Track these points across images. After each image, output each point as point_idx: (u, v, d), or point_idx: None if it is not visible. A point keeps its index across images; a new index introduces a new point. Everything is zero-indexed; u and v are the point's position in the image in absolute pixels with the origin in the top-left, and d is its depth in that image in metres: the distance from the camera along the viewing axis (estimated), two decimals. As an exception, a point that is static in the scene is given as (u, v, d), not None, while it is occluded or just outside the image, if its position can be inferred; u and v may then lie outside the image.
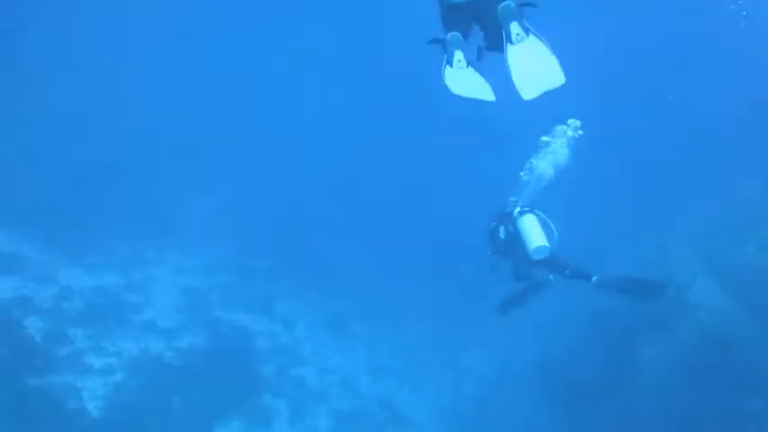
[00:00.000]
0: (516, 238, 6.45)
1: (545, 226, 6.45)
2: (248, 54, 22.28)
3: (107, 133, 15.87)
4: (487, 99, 3.84)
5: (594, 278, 6.44)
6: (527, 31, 3.53)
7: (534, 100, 3.68)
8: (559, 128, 6.84)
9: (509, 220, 6.56)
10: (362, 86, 22.17)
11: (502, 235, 6.61)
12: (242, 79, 21.58)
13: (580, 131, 6.84)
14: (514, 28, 3.46)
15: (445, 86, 3.80)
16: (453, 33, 3.69)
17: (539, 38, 3.53)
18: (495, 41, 3.66)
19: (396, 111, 21.50)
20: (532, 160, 6.88)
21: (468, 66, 3.73)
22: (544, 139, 6.86)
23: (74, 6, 19.06)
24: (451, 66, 3.71)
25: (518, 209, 6.68)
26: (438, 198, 17.25)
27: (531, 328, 12.80)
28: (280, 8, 21.69)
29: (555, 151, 6.80)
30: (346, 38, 22.20)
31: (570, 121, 6.87)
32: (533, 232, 6.34)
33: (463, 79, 3.78)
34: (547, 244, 6.36)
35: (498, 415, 10.20)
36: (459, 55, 3.70)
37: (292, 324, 11.40)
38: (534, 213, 6.47)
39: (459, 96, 3.83)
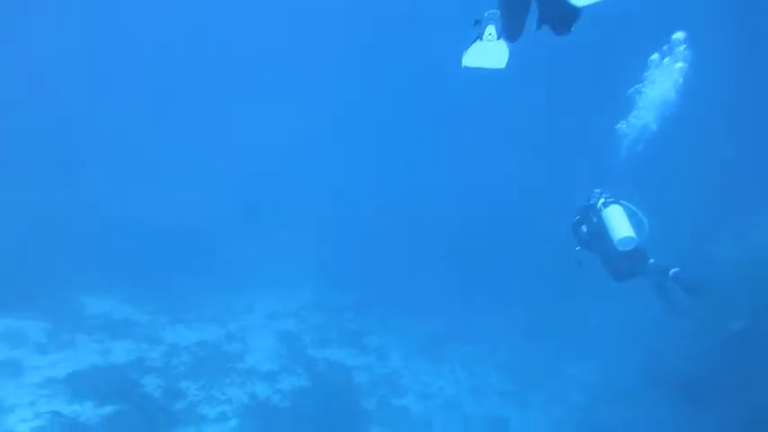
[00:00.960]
0: (601, 231, 6.30)
1: (632, 216, 6.27)
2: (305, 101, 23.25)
3: (186, 196, 16.99)
4: (498, 67, 3.98)
5: (673, 270, 6.16)
6: None
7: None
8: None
9: (593, 212, 6.41)
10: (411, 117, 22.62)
11: (585, 228, 6.46)
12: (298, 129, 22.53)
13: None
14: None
15: (461, 63, 4.00)
16: (492, 11, 3.87)
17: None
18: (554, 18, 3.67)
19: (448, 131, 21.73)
20: (640, 87, 6.71)
21: (498, 38, 3.87)
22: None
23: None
24: (481, 39, 3.86)
25: (602, 200, 6.54)
26: (512, 213, 17.15)
27: (628, 331, 12.43)
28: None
29: (656, 81, 6.63)
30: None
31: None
32: (619, 223, 6.18)
33: (485, 51, 3.92)
34: (633, 235, 6.18)
35: (614, 421, 9.80)
36: (491, 29, 3.85)
37: (386, 354, 11.50)
38: (620, 204, 6.30)
39: (468, 68, 4.01)
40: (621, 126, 7.06)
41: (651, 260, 6.21)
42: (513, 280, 14.62)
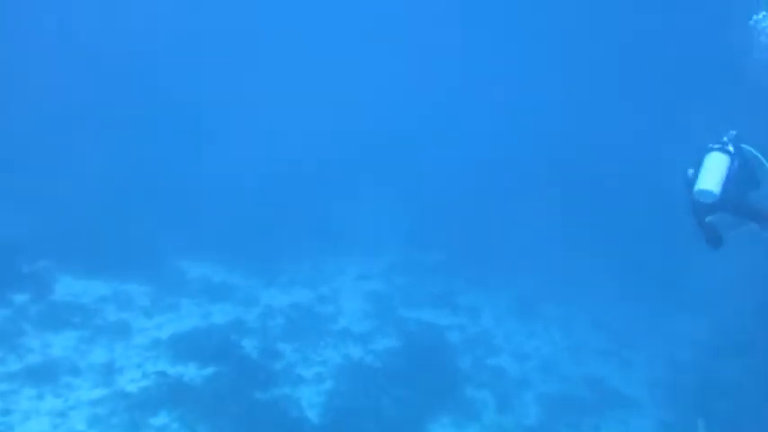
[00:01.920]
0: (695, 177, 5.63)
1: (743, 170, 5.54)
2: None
3: (275, 161, 17.29)
4: None
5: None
6: None
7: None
8: None
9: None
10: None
11: (691, 172, 5.78)
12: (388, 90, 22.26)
13: None
14: None
15: None
16: None
17: None
18: None
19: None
20: None
21: None
22: None
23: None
24: None
25: (719, 145, 5.80)
26: (607, 167, 16.15)
27: (735, 283, 11.42)
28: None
29: None
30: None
31: None
32: (709, 173, 5.49)
33: None
34: (713, 189, 5.46)
35: (729, 378, 9.08)
36: None
37: (478, 314, 11.27)
38: (728, 153, 5.55)
39: None
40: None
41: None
42: (610, 235, 13.84)
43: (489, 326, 10.82)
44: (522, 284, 12.56)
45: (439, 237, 14.32)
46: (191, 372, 7.79)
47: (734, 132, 5.74)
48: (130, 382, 7.39)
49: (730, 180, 5.50)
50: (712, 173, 5.45)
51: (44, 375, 7.27)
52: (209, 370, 7.88)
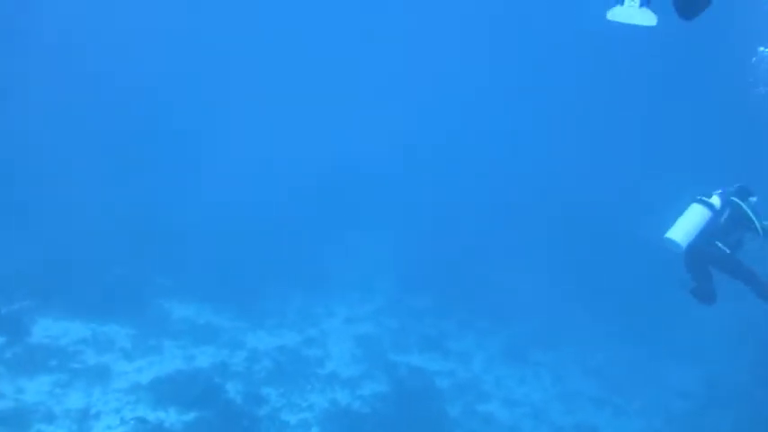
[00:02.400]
0: None
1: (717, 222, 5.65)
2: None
3: (261, 200, 17.21)
4: (648, 24, 3.89)
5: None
6: None
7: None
8: None
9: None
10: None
11: None
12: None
13: None
14: None
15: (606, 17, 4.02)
16: None
17: None
18: None
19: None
20: None
21: (640, 6, 3.85)
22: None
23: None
24: (622, 5, 3.88)
25: (703, 197, 5.90)
26: (603, 211, 16.25)
27: (731, 332, 11.41)
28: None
29: None
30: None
31: None
32: (681, 223, 5.66)
33: (628, 13, 3.92)
34: (680, 242, 5.63)
35: (723, 429, 8.94)
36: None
37: (468, 358, 11.06)
38: (709, 207, 5.68)
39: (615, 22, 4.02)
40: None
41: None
42: (602, 282, 13.79)
43: (479, 371, 10.61)
44: (513, 329, 12.40)
45: (429, 280, 14.18)
46: (171, 417, 7.50)
47: (734, 186, 5.83)
48: (107, 428, 7.10)
49: (708, 233, 5.63)
50: (685, 224, 5.59)
51: (16, 422, 6.95)
52: (191, 415, 7.60)
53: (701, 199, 5.91)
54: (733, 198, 5.77)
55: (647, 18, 3.85)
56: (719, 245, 5.63)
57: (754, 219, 5.66)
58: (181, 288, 11.79)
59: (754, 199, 5.79)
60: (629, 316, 12.87)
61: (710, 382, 10.35)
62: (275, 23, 23.74)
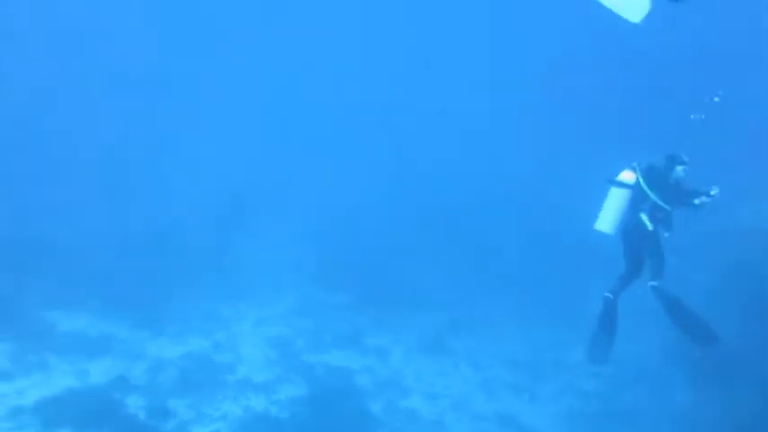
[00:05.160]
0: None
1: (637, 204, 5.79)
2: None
3: (160, 201, 16.04)
4: (632, 20, 3.65)
5: (653, 283, 5.83)
6: None
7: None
8: None
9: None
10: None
11: None
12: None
13: None
14: None
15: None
16: None
17: None
18: None
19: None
20: None
21: None
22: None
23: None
24: None
25: (626, 173, 5.95)
26: (511, 197, 16.68)
27: (636, 312, 11.98)
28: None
29: None
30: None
31: None
32: (605, 210, 5.81)
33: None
34: (607, 231, 5.84)
35: (634, 407, 9.33)
36: None
37: (386, 354, 10.82)
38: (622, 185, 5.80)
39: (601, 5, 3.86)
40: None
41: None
42: (512, 267, 14.12)
43: (399, 366, 10.39)
44: (429, 321, 12.34)
45: (341, 277, 13.83)
46: (63, 442, 6.58)
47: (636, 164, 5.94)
48: (-17, 461, 6.08)
49: (632, 209, 5.70)
50: (607, 211, 5.68)
51: None
52: (87, 438, 6.71)
53: (613, 180, 5.99)
54: (636, 173, 5.88)
55: (637, 10, 3.66)
56: (643, 219, 5.70)
57: (648, 193, 5.74)
58: (68, 298, 10.59)
59: (680, 168, 5.83)
60: (537, 304, 13.26)
61: (620, 363, 10.76)
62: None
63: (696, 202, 5.53)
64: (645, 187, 5.77)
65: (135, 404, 7.66)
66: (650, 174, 5.84)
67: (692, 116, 5.77)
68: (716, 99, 5.65)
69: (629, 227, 5.84)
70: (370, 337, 11.38)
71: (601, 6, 3.78)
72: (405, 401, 9.23)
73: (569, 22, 19.45)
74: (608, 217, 5.89)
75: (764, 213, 10.43)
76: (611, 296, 6.20)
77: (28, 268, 11.19)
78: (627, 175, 6.03)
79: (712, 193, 5.53)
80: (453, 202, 16.89)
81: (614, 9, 3.75)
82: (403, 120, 21.90)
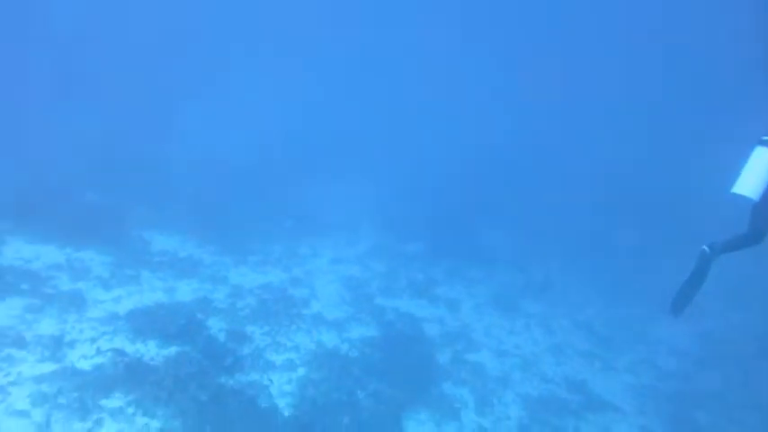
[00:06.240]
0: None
1: None
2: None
3: (255, 139, 16.65)
4: None
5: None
6: None
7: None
8: None
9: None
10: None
11: None
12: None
13: None
14: None
15: None
16: None
17: None
18: None
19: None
20: None
21: None
22: None
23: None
24: None
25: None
26: (597, 166, 15.97)
27: (729, 294, 11.30)
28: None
29: None
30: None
31: None
32: (749, 173, 5.10)
33: None
34: (751, 196, 5.11)
35: (710, 390, 8.88)
36: None
37: (458, 306, 10.79)
38: None
39: None
40: None
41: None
42: (597, 235, 13.62)
43: (469, 320, 10.35)
44: (503, 279, 12.21)
45: (417, 227, 13.88)
46: (151, 351, 7.07)
47: None
48: (82, 358, 6.63)
49: None
50: (753, 173, 5.04)
51: (-17, 345, 6.48)
52: (172, 350, 7.18)
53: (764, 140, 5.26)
54: None
55: None
56: None
57: None
58: (163, 220, 11.27)
59: None
60: (616, 274, 12.79)
61: (704, 341, 10.26)
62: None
63: None
64: None
65: (216, 326, 8.09)
66: None
67: None
68: None
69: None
70: (443, 287, 11.39)
71: None
72: (472, 355, 9.22)
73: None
74: (752, 179, 5.16)
75: None
76: (707, 250, 5.69)
77: (132, 188, 11.94)
78: None
79: None
80: (540, 163, 16.37)
81: None
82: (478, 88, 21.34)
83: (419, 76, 22.43)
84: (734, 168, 5.29)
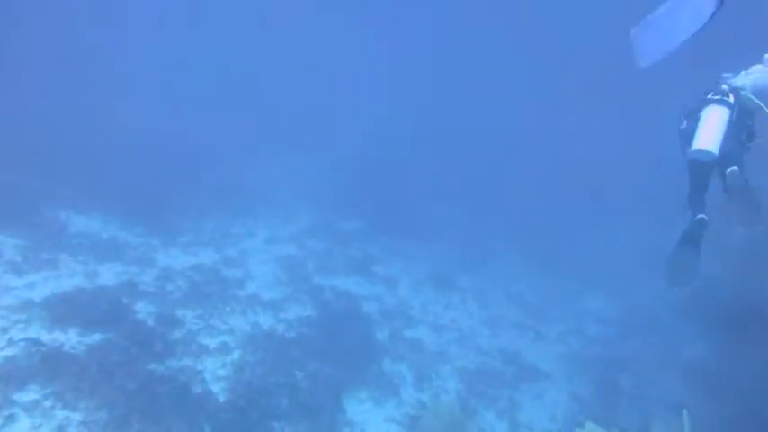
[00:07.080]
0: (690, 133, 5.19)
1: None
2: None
3: (186, 115, 15.91)
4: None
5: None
6: None
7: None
8: None
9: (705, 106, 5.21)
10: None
11: (684, 125, 5.33)
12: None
13: None
14: None
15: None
16: None
17: None
18: None
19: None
20: None
21: None
22: None
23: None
24: None
25: (723, 90, 5.26)
26: (528, 139, 16.29)
27: (650, 261, 11.84)
28: None
29: None
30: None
31: None
32: (706, 130, 5.03)
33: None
34: (712, 150, 5.03)
35: (636, 355, 9.33)
36: None
37: (395, 283, 10.78)
38: (728, 105, 5.06)
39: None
40: None
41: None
42: (525, 209, 13.95)
43: (407, 296, 10.38)
44: (438, 256, 12.29)
45: (355, 203, 13.74)
46: (71, 339, 6.61)
47: (728, 74, 5.36)
48: (-8, 350, 6.12)
49: (728, 134, 5.05)
50: (710, 130, 4.99)
51: None
52: (95, 338, 6.74)
53: (718, 99, 5.18)
54: (742, 91, 5.19)
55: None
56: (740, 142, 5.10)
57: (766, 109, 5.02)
58: (85, 200, 10.52)
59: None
60: (549, 243, 13.20)
61: (627, 310, 10.76)
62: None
63: None
64: (762, 104, 5.11)
65: (143, 310, 7.67)
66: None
67: None
68: None
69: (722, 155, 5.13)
70: (381, 265, 11.34)
71: None
72: (410, 331, 9.25)
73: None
74: (712, 135, 5.00)
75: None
76: (706, 218, 5.51)
77: (46, 169, 11.09)
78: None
79: None
80: (474, 141, 16.55)
81: None
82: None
83: (362, 45, 22.11)
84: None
